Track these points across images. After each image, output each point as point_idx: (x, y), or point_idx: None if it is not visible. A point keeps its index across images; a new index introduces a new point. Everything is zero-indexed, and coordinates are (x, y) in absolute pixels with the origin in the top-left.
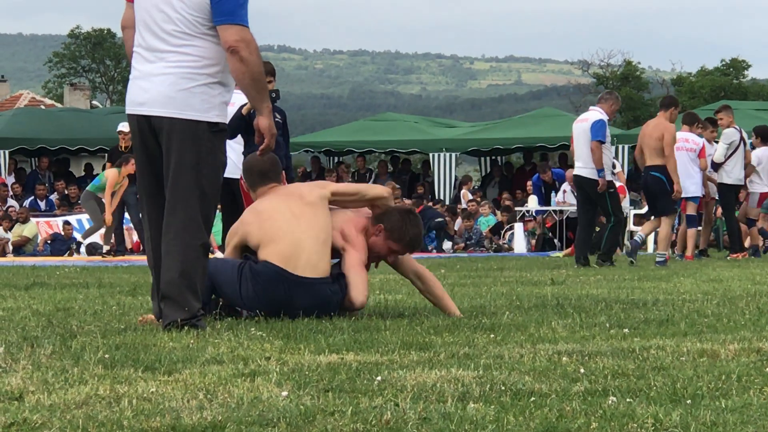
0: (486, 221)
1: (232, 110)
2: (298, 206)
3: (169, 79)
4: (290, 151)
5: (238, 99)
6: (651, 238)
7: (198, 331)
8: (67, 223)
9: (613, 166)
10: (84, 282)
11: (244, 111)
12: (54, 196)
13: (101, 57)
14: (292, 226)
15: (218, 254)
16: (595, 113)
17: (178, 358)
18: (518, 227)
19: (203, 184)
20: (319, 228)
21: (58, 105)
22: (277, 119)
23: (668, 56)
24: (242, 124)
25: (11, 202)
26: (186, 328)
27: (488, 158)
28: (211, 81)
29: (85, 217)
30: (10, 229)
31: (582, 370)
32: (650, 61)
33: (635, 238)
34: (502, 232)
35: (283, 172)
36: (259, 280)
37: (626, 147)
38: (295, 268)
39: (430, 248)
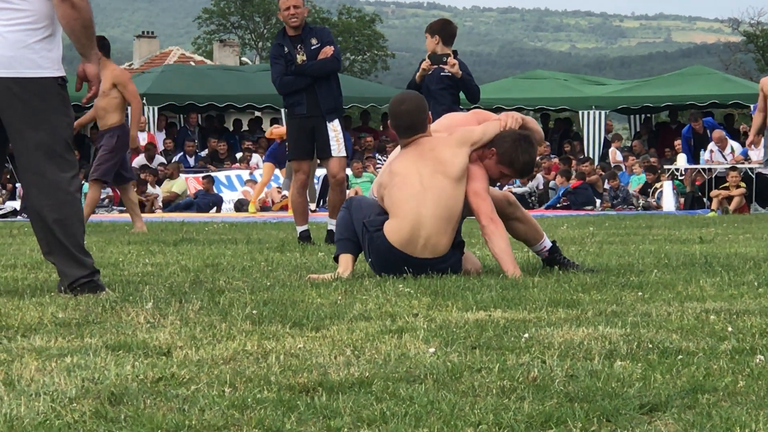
0: (637, 179)
1: None
2: (430, 174)
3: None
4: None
5: None
6: None
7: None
8: (207, 177)
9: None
10: (232, 238)
11: (417, 78)
12: (204, 152)
13: (251, 13)
14: (417, 201)
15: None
16: None
17: (325, 314)
18: (667, 185)
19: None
20: (446, 206)
21: (208, 62)
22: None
23: None
24: (418, 90)
25: (159, 158)
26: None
27: (638, 116)
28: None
29: (234, 173)
30: (159, 184)
31: (730, 329)
32: None
33: None
34: (650, 191)
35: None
36: (376, 253)
37: None
38: (414, 250)
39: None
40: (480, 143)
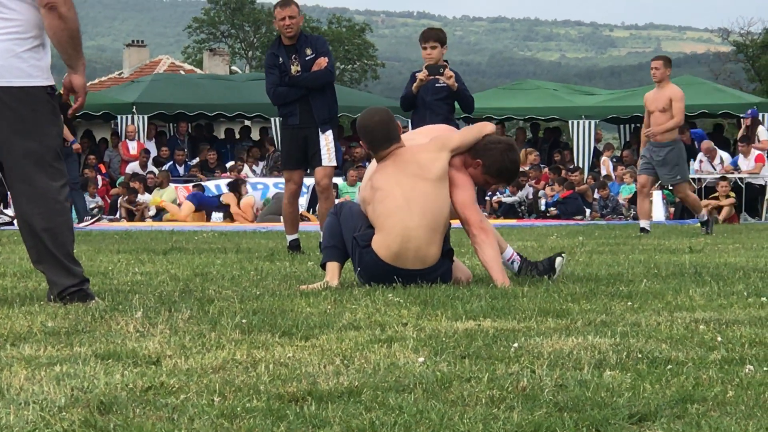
0: (627, 189)
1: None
2: (412, 185)
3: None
4: None
5: None
6: None
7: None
8: (196, 186)
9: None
10: (222, 247)
11: (414, 89)
12: (195, 161)
13: (240, 23)
14: (402, 214)
15: None
16: None
17: (315, 324)
18: (656, 195)
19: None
20: (431, 214)
21: (198, 71)
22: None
23: None
24: (413, 101)
25: (151, 167)
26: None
27: (627, 126)
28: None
29: (224, 182)
30: (149, 192)
31: (719, 339)
32: None
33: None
34: None
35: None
36: (366, 268)
37: (767, 115)
38: (405, 263)
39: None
40: (460, 149)
